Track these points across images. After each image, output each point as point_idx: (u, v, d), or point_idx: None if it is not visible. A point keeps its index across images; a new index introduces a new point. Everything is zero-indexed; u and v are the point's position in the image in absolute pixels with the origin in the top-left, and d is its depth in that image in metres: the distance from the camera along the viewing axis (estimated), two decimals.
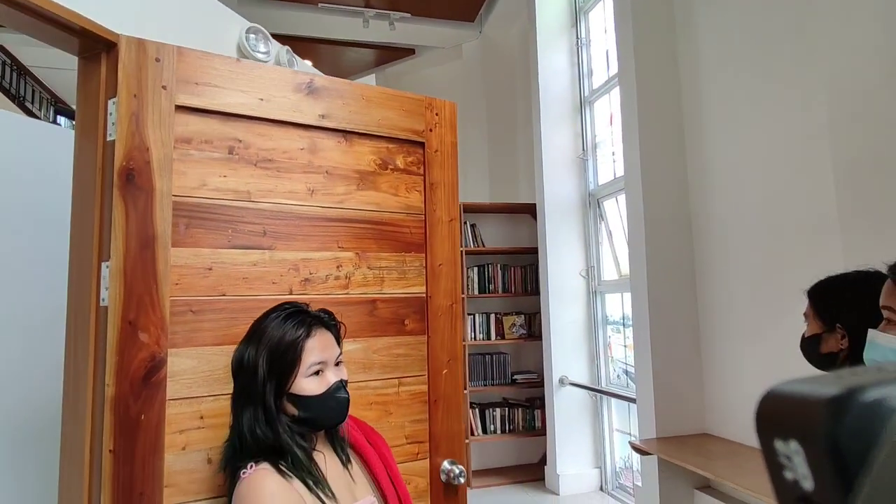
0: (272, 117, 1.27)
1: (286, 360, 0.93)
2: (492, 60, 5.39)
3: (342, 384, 0.96)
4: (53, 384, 1.28)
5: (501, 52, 5.37)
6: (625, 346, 3.89)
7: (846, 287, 1.07)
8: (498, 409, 4.32)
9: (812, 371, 1.11)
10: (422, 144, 1.48)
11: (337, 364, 0.99)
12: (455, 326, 1.49)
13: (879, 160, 1.81)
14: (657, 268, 2.90)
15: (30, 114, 5.55)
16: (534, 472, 4.26)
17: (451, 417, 1.46)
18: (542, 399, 4.25)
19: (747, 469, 2.22)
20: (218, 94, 1.21)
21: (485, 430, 4.28)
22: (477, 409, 4.30)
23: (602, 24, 4.17)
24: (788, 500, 0.18)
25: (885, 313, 0.81)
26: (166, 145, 1.14)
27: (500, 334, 4.38)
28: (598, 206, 4.13)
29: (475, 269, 4.40)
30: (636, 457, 3.18)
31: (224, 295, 1.20)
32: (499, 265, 4.45)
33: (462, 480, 1.41)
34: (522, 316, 4.45)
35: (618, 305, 4.01)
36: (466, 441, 4.12)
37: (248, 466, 0.88)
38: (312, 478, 0.90)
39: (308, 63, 1.86)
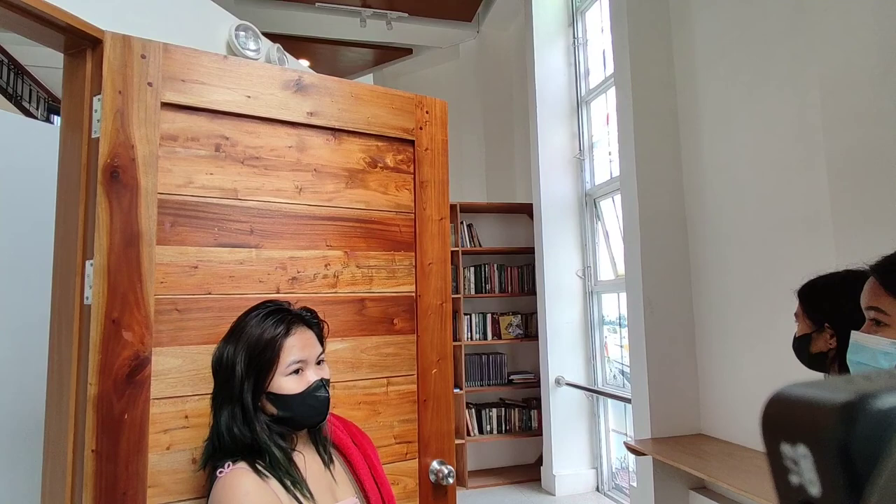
0: (260, 115, 1.26)
1: (264, 358, 0.92)
2: (489, 60, 5.38)
3: (323, 383, 0.95)
4: (41, 384, 1.27)
5: (498, 52, 5.36)
6: (621, 347, 3.88)
7: (834, 286, 1.06)
8: (494, 410, 4.31)
9: (805, 371, 1.10)
10: (412, 142, 1.48)
11: (318, 363, 0.98)
12: (445, 325, 1.48)
13: (873, 158, 1.80)
14: (652, 267, 2.89)
15: (27, 113, 5.54)
16: (530, 472, 4.26)
17: (440, 417, 1.45)
18: (538, 399, 4.24)
19: (742, 470, 2.21)
20: (205, 91, 1.20)
21: (481, 431, 4.27)
22: (473, 410, 4.29)
23: (599, 24, 4.16)
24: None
25: (872, 314, 0.80)
26: (152, 142, 1.13)
27: (497, 334, 4.38)
28: (595, 206, 4.12)
29: (472, 268, 4.39)
30: (632, 457, 3.18)
31: (210, 293, 1.19)
32: (495, 265, 4.45)
33: (451, 481, 1.41)
34: (519, 316, 4.45)
35: (614, 306, 4.00)
36: (462, 441, 4.11)
37: (226, 466, 0.87)
38: (290, 478, 0.89)
39: (305, 63, 1.85)
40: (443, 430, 1.45)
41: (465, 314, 4.30)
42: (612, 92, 3.60)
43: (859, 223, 1.86)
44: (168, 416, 1.12)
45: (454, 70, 5.68)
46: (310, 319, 0.99)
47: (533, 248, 4.30)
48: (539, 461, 4.25)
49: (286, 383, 0.92)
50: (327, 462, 0.99)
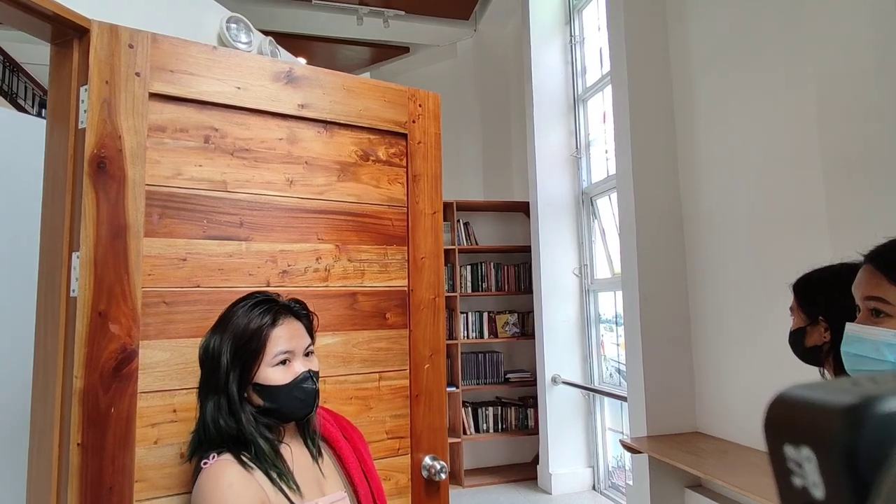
0: (250, 106, 1.25)
1: (250, 348, 0.91)
2: (486, 59, 5.38)
3: (310, 374, 0.94)
4: (26, 377, 1.25)
5: (495, 50, 5.36)
6: (617, 345, 3.88)
7: (828, 280, 1.05)
8: (490, 408, 4.30)
9: (800, 365, 1.10)
10: (404, 136, 1.46)
11: (307, 355, 0.97)
12: (437, 320, 1.47)
13: (868, 154, 1.80)
14: (648, 265, 2.89)
15: (21, 110, 5.52)
16: (526, 471, 4.25)
17: (433, 412, 1.44)
18: (534, 398, 4.24)
19: (738, 467, 2.20)
20: (194, 82, 1.19)
21: (477, 429, 4.26)
22: (469, 408, 4.28)
23: (595, 22, 4.16)
24: None
25: (872, 303, 0.77)
26: (139, 133, 1.12)
27: (493, 333, 4.37)
28: (592, 205, 4.12)
29: (468, 267, 4.38)
30: (628, 456, 3.17)
31: (199, 286, 1.18)
32: (492, 263, 4.44)
33: (444, 476, 1.39)
34: (515, 314, 4.44)
35: (610, 304, 4.00)
36: (458, 440, 4.10)
37: (210, 457, 0.86)
38: (276, 470, 0.88)
39: (302, 61, 1.84)
40: (435, 426, 1.44)
41: (462, 312, 4.30)
42: (608, 90, 3.59)
43: (854, 219, 1.86)
44: (155, 409, 1.11)
45: (451, 68, 5.67)
46: (298, 311, 0.98)
47: (529, 246, 4.30)
48: (535, 460, 4.24)
49: (272, 374, 0.91)
50: (315, 455, 0.98)
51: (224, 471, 0.84)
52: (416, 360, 1.43)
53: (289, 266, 1.28)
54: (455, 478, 4.10)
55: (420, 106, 1.50)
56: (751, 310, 2.45)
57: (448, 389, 3.40)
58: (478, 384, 4.31)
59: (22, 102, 5.79)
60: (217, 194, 1.21)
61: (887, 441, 0.15)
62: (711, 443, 2.59)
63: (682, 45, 2.92)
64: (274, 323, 0.93)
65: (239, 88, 1.24)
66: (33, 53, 5.82)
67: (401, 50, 5.83)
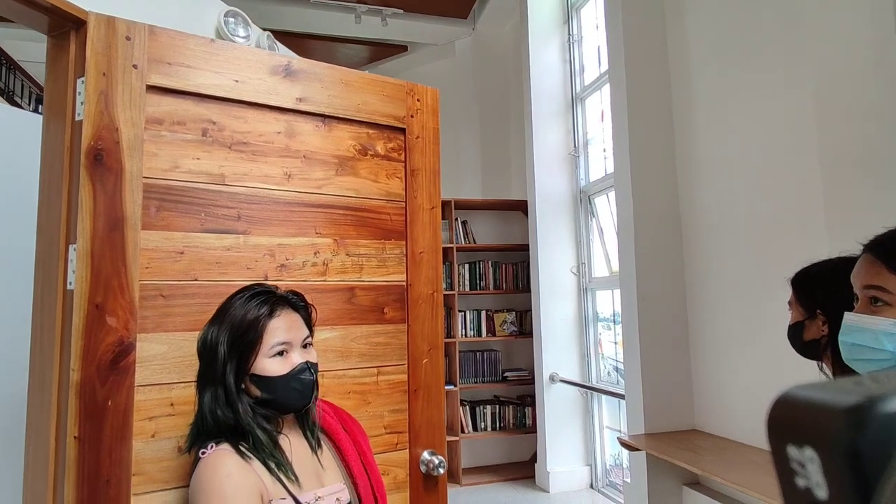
0: (248, 99, 1.25)
1: (247, 339, 0.91)
2: (484, 57, 5.38)
3: (308, 366, 0.94)
4: (23, 370, 1.25)
5: (494, 49, 5.36)
6: (615, 343, 3.88)
7: (826, 274, 1.06)
8: (488, 407, 4.30)
9: (799, 360, 1.10)
10: (403, 130, 1.46)
11: (305, 346, 0.96)
12: (436, 315, 1.47)
13: (865, 153, 1.80)
14: (646, 264, 2.89)
15: (17, 108, 5.49)
16: (524, 469, 4.25)
17: (431, 407, 1.44)
18: (532, 396, 4.24)
19: (736, 464, 2.20)
20: (191, 75, 1.19)
21: (475, 428, 4.26)
22: (467, 407, 4.28)
23: (594, 21, 4.16)
24: None
25: (871, 292, 0.77)
26: (137, 125, 1.12)
27: (491, 331, 4.37)
28: (590, 203, 4.12)
29: (466, 265, 4.38)
30: (626, 454, 3.17)
31: (196, 280, 1.17)
32: (490, 262, 4.44)
33: (442, 471, 1.39)
34: (513, 313, 4.44)
35: (608, 302, 4.00)
36: (456, 438, 4.10)
37: (208, 447, 0.86)
38: (275, 460, 0.88)
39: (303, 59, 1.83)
40: (433, 421, 1.44)
41: (460, 311, 4.29)
42: (606, 89, 3.59)
43: (851, 218, 1.86)
44: (153, 403, 1.11)
45: (450, 67, 5.67)
46: (296, 302, 0.98)
47: (527, 245, 4.30)
48: (533, 458, 4.25)
49: (269, 365, 0.91)
50: (315, 447, 0.98)
51: (222, 460, 0.84)
52: (415, 355, 1.43)
53: (287, 260, 1.28)
54: (453, 476, 4.10)
55: (419, 101, 1.50)
56: (748, 308, 2.45)
57: (446, 388, 3.40)
58: (476, 383, 4.31)
59: (18, 100, 5.77)
60: (215, 187, 1.21)
61: (890, 441, 0.15)
62: (709, 440, 2.59)
63: (681, 44, 2.92)
64: (271, 314, 0.92)
65: (237, 81, 1.24)
66: (30, 51, 5.80)
67: (399, 48, 5.83)
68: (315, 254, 1.32)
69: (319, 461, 0.98)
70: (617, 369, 3.84)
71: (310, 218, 1.32)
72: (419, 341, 1.44)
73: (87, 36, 1.08)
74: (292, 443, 0.95)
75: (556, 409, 3.99)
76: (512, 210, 4.62)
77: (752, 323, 2.43)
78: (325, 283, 1.33)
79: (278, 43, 1.64)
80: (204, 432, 0.89)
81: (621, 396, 3.27)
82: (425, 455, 1.40)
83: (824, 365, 1.04)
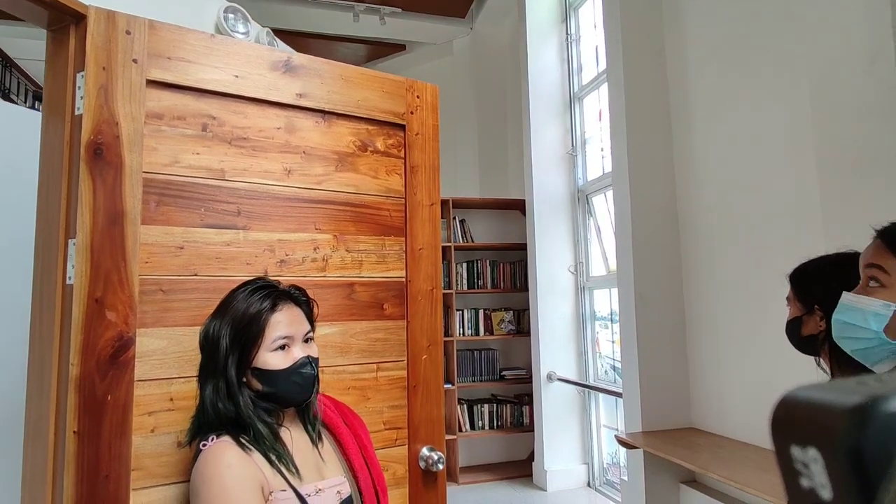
0: (248, 95, 1.25)
1: (249, 332, 0.91)
2: (482, 57, 5.38)
3: (309, 360, 0.94)
4: (22, 364, 1.24)
5: (492, 48, 5.36)
6: (612, 342, 3.89)
7: (824, 269, 1.07)
8: (486, 405, 4.30)
9: (797, 356, 1.10)
10: (402, 127, 1.46)
11: (306, 341, 0.97)
12: (435, 311, 1.47)
13: (861, 151, 1.81)
14: (643, 263, 2.90)
15: None
16: (521, 468, 4.25)
17: (430, 403, 1.44)
18: (530, 395, 4.24)
19: (733, 462, 2.21)
20: (191, 70, 1.19)
21: (473, 427, 4.26)
22: (465, 405, 4.28)
23: (592, 20, 4.17)
24: None
25: (872, 271, 0.79)
26: (137, 120, 1.12)
27: (489, 330, 4.37)
28: (587, 202, 4.13)
29: (464, 264, 4.38)
30: (623, 452, 3.18)
31: (196, 275, 1.17)
32: (488, 261, 4.44)
33: (441, 467, 1.39)
34: (511, 312, 4.44)
35: (606, 301, 4.01)
36: (454, 437, 4.10)
37: (209, 439, 0.86)
38: (275, 452, 0.88)
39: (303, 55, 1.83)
40: (432, 417, 1.44)
41: (458, 310, 4.30)
42: (604, 88, 3.60)
43: (848, 216, 1.87)
44: (153, 398, 1.10)
45: (448, 66, 5.67)
46: (298, 297, 0.98)
47: (525, 244, 4.30)
48: (531, 457, 4.25)
49: (271, 359, 0.91)
50: (315, 440, 0.98)
51: (223, 452, 0.84)
52: (414, 351, 1.43)
53: (286, 255, 1.28)
54: (450, 475, 4.10)
55: (418, 97, 1.50)
56: (746, 306, 2.46)
57: (444, 386, 3.41)
58: (473, 381, 4.31)
59: (15, 98, 5.75)
60: (215, 182, 1.21)
61: (894, 441, 0.15)
62: (706, 438, 2.60)
63: (678, 44, 2.93)
64: (273, 308, 0.93)
65: (237, 77, 1.24)
66: (27, 48, 5.78)
67: (397, 47, 5.83)
68: (315, 249, 1.32)
69: (320, 454, 0.98)
70: (614, 368, 3.85)
71: (309, 214, 1.32)
72: (418, 337, 1.44)
73: (86, 30, 1.08)
74: (293, 436, 0.95)
75: (554, 407, 4.00)
76: (510, 209, 4.62)
77: (749, 321, 2.44)
78: (325, 279, 1.33)
79: (278, 39, 1.64)
80: (205, 425, 0.89)
81: (619, 395, 3.28)
82: (424, 451, 1.41)
83: (822, 360, 1.05)
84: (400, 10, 5.08)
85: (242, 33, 1.49)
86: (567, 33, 4.38)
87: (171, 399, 1.12)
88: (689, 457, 2.32)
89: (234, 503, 0.81)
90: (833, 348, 0.99)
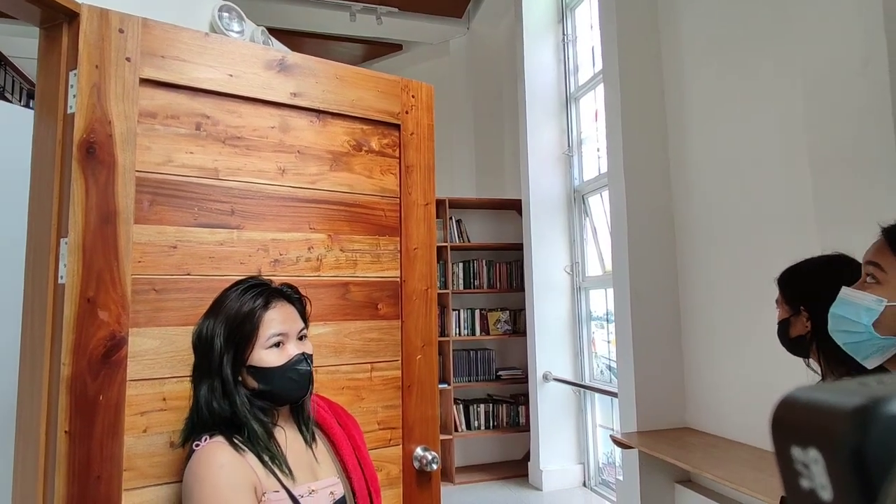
0: (242, 94, 1.24)
1: (244, 330, 0.91)
2: (479, 57, 5.38)
3: (304, 357, 0.94)
4: (13, 364, 1.24)
5: (488, 48, 5.36)
6: (608, 342, 3.90)
7: (809, 271, 1.09)
8: (482, 405, 4.30)
9: (789, 358, 1.11)
10: (397, 126, 1.46)
11: (300, 338, 0.97)
12: (430, 311, 1.47)
13: (855, 153, 1.82)
14: (639, 263, 2.90)
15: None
16: (517, 468, 4.25)
17: (424, 403, 1.44)
18: (526, 395, 4.25)
19: (727, 462, 2.22)
20: (185, 69, 1.18)
21: (469, 427, 4.26)
22: (461, 405, 4.28)
23: (588, 21, 4.18)
24: None
25: (870, 268, 0.81)
26: (130, 119, 1.11)
27: (485, 330, 4.37)
28: (583, 203, 4.13)
29: (460, 264, 4.38)
30: (618, 452, 3.18)
31: (189, 274, 1.17)
32: (484, 261, 4.44)
33: (435, 467, 1.39)
34: (507, 312, 4.44)
35: (602, 301, 4.02)
36: (450, 437, 4.10)
37: (202, 439, 0.86)
38: (269, 453, 0.88)
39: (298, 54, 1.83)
40: (427, 416, 1.44)
41: (454, 310, 4.30)
42: (600, 88, 3.61)
43: (842, 217, 1.88)
44: (145, 398, 1.10)
45: (444, 66, 5.67)
46: (290, 294, 0.98)
47: (521, 244, 4.30)
48: (526, 457, 4.25)
49: (266, 356, 0.91)
50: (309, 441, 0.98)
51: (216, 452, 0.84)
52: (409, 351, 1.43)
53: (280, 255, 1.28)
54: (446, 475, 4.10)
55: (413, 97, 1.50)
56: (741, 306, 2.47)
57: (439, 386, 3.40)
58: (469, 381, 4.31)
59: (9, 96, 5.72)
60: (208, 182, 1.20)
61: (894, 442, 0.15)
62: (701, 438, 2.61)
63: (674, 45, 2.94)
64: (266, 305, 0.93)
65: (231, 76, 1.23)
66: (20, 47, 5.75)
67: (394, 47, 5.83)
68: (309, 249, 1.32)
69: (314, 455, 0.97)
70: (610, 368, 3.86)
71: (304, 213, 1.32)
72: (413, 337, 1.44)
73: (79, 28, 1.08)
74: (287, 436, 0.95)
75: (550, 407, 4.00)
76: (506, 209, 4.62)
77: (744, 321, 2.45)
78: (319, 279, 1.33)
79: (273, 38, 1.63)
80: (199, 425, 0.89)
81: (614, 395, 3.29)
82: (418, 451, 1.41)
83: (812, 362, 1.06)
84: (397, 9, 5.08)
85: (237, 32, 1.48)
86: (563, 34, 4.38)
87: (164, 399, 1.12)
88: (684, 457, 2.33)
89: (226, 503, 0.81)
90: (822, 348, 1.00)
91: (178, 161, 1.17)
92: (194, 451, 0.85)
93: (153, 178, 1.14)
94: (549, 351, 4.06)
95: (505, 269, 4.47)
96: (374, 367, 1.38)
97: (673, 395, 2.84)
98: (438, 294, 2.43)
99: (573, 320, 4.14)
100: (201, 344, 0.92)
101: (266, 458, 0.87)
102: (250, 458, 0.87)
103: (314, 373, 1.07)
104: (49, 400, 1.03)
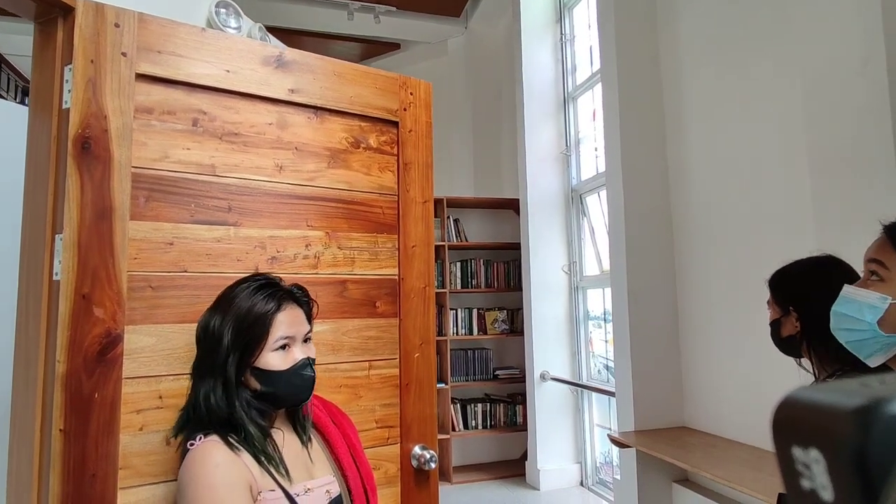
0: (239, 90, 1.23)
1: (254, 332, 0.90)
2: (477, 56, 5.38)
3: (309, 361, 0.93)
4: (7, 361, 1.23)
5: (486, 47, 5.36)
6: (605, 342, 3.90)
7: (797, 272, 1.11)
8: (479, 405, 4.30)
9: (783, 358, 1.11)
10: (395, 124, 1.45)
11: (305, 341, 0.96)
12: (428, 309, 1.47)
13: (853, 153, 1.82)
14: (637, 262, 2.90)
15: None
16: (515, 467, 4.25)
17: (422, 401, 1.43)
18: (523, 395, 4.24)
19: (725, 461, 2.22)
20: (182, 64, 1.17)
21: (466, 426, 4.26)
22: (458, 405, 4.27)
23: (586, 20, 4.18)
24: None
25: (873, 266, 0.81)
26: (126, 114, 1.10)
27: (483, 329, 4.37)
28: (581, 202, 4.13)
29: (458, 263, 4.38)
30: (616, 451, 3.18)
31: (186, 271, 1.16)
32: (481, 260, 4.44)
33: (433, 466, 1.39)
34: (505, 311, 4.44)
35: (599, 301, 4.02)
36: (447, 436, 4.09)
37: (197, 438, 0.85)
38: (265, 454, 0.87)
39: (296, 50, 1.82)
40: (425, 415, 1.43)
41: (451, 309, 4.29)
42: (598, 88, 3.61)
43: (840, 217, 1.88)
44: (141, 396, 1.09)
45: (442, 66, 5.67)
46: (300, 297, 0.98)
47: (519, 243, 4.30)
48: (524, 456, 4.25)
49: (272, 359, 0.90)
50: (305, 441, 0.97)
51: (211, 451, 0.83)
52: (406, 349, 1.42)
53: (278, 252, 1.27)
54: (444, 474, 4.09)
55: (411, 94, 1.49)
56: (738, 306, 2.47)
57: (437, 386, 3.40)
58: (467, 381, 4.31)
59: (3, 93, 5.69)
60: (205, 178, 1.19)
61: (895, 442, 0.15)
62: (698, 437, 2.61)
63: (672, 44, 2.94)
64: (279, 308, 0.92)
65: (228, 71, 1.22)
66: (15, 43, 5.71)
67: (392, 46, 5.82)
68: (306, 246, 1.31)
69: (309, 454, 0.97)
70: (607, 367, 3.86)
71: (301, 210, 1.31)
72: (411, 335, 1.44)
73: (75, 23, 1.07)
74: (284, 437, 0.94)
75: (547, 407, 4.00)
76: (503, 208, 4.62)
77: (741, 321, 2.45)
78: (317, 276, 1.32)
79: (270, 35, 1.62)
80: (194, 421, 0.88)
81: (611, 394, 3.29)
82: (416, 449, 1.40)
83: (804, 361, 1.07)
84: (395, 8, 5.07)
85: (234, 28, 1.47)
86: (561, 33, 4.38)
87: (160, 397, 1.11)
88: (682, 456, 2.33)
89: (221, 503, 0.80)
90: (813, 348, 1.01)
91: (175, 157, 1.16)
92: (189, 449, 0.85)
93: (149, 174, 1.13)
94: (546, 350, 4.05)
95: (502, 269, 4.47)
96: (371, 365, 1.38)
97: (670, 394, 2.84)
98: (436, 293, 2.42)
99: (571, 320, 4.14)
100: (207, 339, 0.91)
101: (262, 459, 0.86)
102: (245, 457, 0.86)
103: None
104: (44, 398, 1.02)
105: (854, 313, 0.80)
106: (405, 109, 1.47)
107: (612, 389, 3.20)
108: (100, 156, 1.07)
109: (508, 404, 4.37)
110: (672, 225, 2.94)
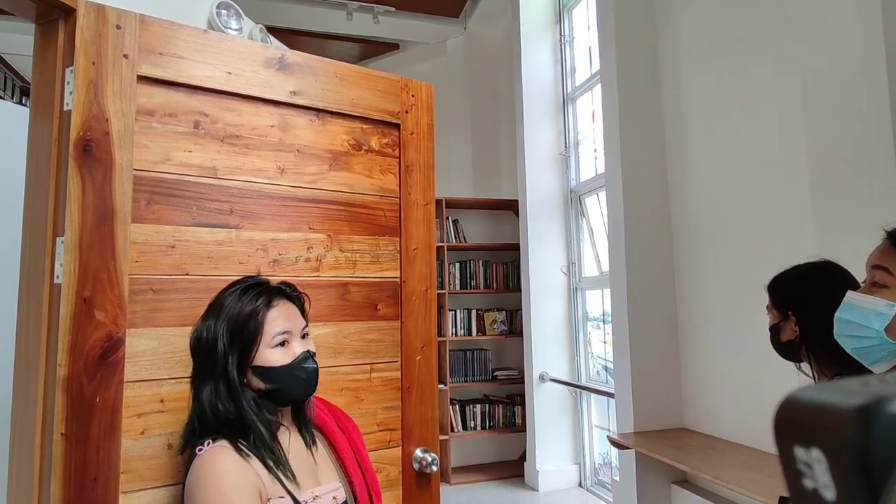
0: (241, 92, 1.23)
1: (248, 330, 0.89)
2: (476, 57, 5.38)
3: (310, 354, 0.93)
4: (8, 365, 1.22)
5: (485, 48, 5.36)
6: (604, 343, 3.90)
7: (795, 278, 1.11)
8: (478, 406, 4.30)
9: (782, 362, 1.12)
10: (397, 126, 1.45)
11: (303, 336, 0.96)
12: (429, 312, 1.46)
13: (853, 154, 1.82)
14: (636, 264, 2.91)
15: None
16: (513, 468, 4.25)
17: (424, 404, 1.43)
18: (522, 396, 4.24)
19: (724, 462, 2.22)
20: (183, 66, 1.17)
21: (465, 427, 4.25)
22: (457, 406, 4.27)
23: (585, 21, 4.18)
24: None
25: (878, 273, 0.81)
26: (127, 116, 1.10)
27: (482, 330, 4.37)
28: (580, 203, 4.14)
29: (457, 264, 4.38)
30: (615, 452, 3.18)
31: (187, 274, 1.15)
32: (480, 261, 4.44)
33: (435, 468, 1.38)
34: (504, 312, 4.44)
35: (598, 302, 4.02)
36: (446, 437, 4.09)
37: (205, 443, 0.84)
38: (273, 458, 0.87)
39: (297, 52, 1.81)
40: (426, 418, 1.43)
41: (450, 310, 4.29)
42: (597, 89, 3.61)
43: (840, 218, 1.88)
44: (143, 399, 1.09)
45: (441, 66, 5.66)
46: (290, 293, 0.97)
47: (518, 244, 4.30)
48: (523, 457, 4.25)
49: (272, 355, 0.90)
50: (310, 444, 0.97)
51: (221, 457, 0.83)
52: (408, 352, 1.42)
53: (280, 255, 1.27)
54: (442, 475, 4.09)
55: (413, 96, 1.49)
56: (738, 307, 2.48)
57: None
58: (466, 381, 4.30)
59: (2, 93, 5.67)
60: (207, 181, 1.19)
61: None
62: (698, 438, 2.61)
63: (671, 45, 2.94)
64: (268, 305, 0.92)
65: (230, 74, 1.22)
66: (14, 43, 5.69)
67: (391, 47, 5.81)
68: (308, 249, 1.31)
69: (314, 458, 0.96)
70: (606, 368, 3.86)
71: (303, 213, 1.30)
72: (412, 338, 1.43)
73: (76, 24, 1.06)
74: (291, 438, 0.94)
75: (546, 408, 4.00)
76: (503, 209, 4.62)
77: (740, 322, 2.45)
78: (319, 279, 1.31)
79: (271, 36, 1.62)
80: (202, 429, 0.88)
81: (610, 395, 3.29)
82: (418, 452, 1.40)
83: (803, 366, 1.08)
84: (394, 9, 5.06)
85: (235, 30, 1.47)
86: (561, 34, 4.39)
87: (162, 400, 1.11)
88: (681, 457, 2.33)
89: None
90: (812, 352, 1.01)
91: (177, 159, 1.16)
92: (197, 455, 0.84)
93: (151, 177, 1.13)
94: (545, 351, 4.06)
95: (501, 270, 4.47)
96: (373, 367, 1.37)
97: (669, 395, 2.84)
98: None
99: (569, 321, 4.14)
100: (202, 347, 0.91)
101: (270, 463, 0.86)
102: (255, 463, 0.85)
103: None
104: (45, 402, 1.02)
105: (860, 320, 0.80)
106: (407, 112, 1.47)
107: (611, 390, 3.20)
108: (101, 158, 1.06)
109: (507, 405, 4.37)
110: (671, 226, 2.94)
